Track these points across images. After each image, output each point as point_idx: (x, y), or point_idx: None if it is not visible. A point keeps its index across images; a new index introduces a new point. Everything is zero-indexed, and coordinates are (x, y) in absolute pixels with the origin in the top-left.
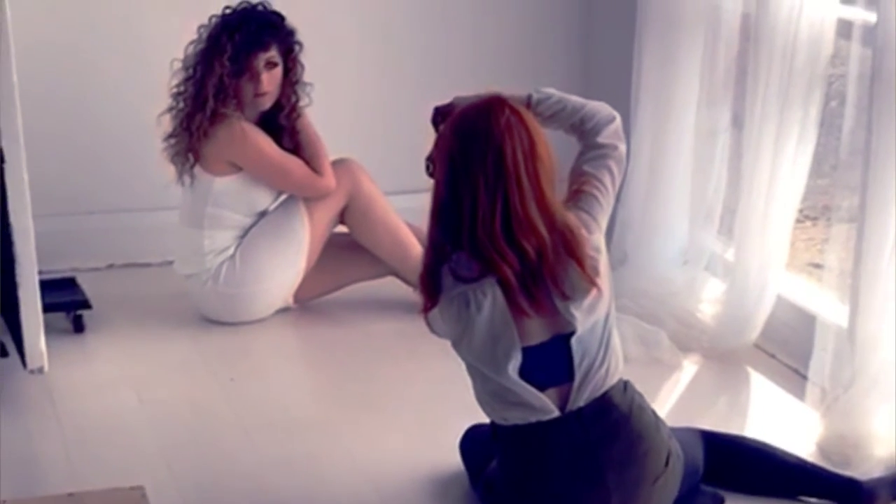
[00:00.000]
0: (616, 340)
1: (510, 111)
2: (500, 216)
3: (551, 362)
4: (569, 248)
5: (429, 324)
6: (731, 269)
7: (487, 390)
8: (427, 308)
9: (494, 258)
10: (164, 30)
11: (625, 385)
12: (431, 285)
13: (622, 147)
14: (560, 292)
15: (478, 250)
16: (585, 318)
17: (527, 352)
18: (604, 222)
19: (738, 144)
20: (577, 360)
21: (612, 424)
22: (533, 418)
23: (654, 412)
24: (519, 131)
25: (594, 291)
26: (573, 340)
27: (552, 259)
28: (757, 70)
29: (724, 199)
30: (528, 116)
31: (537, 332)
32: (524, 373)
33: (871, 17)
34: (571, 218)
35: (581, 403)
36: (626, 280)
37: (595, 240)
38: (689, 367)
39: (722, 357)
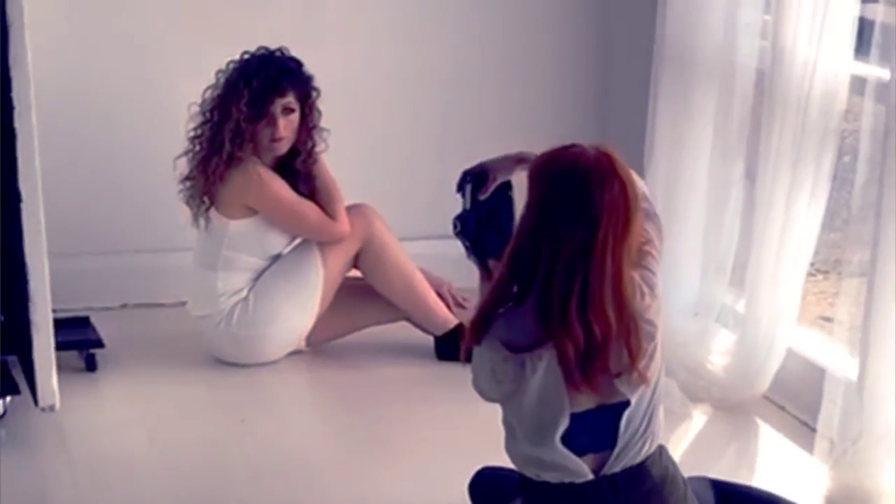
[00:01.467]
0: (661, 409)
1: (619, 186)
2: (577, 292)
3: (596, 430)
4: (629, 342)
5: (467, 358)
6: (742, 320)
7: (523, 449)
8: (469, 346)
9: (560, 330)
10: (184, 73)
11: (660, 451)
12: (482, 327)
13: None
14: (616, 373)
15: (546, 316)
16: (635, 390)
17: (572, 418)
18: (660, 283)
19: (751, 197)
20: (622, 429)
21: (644, 495)
22: (567, 479)
23: (684, 481)
24: (618, 211)
25: (636, 373)
26: (625, 413)
27: (615, 345)
28: (770, 124)
29: (736, 251)
30: (633, 187)
31: (586, 400)
32: (566, 437)
33: (885, 74)
34: (635, 282)
35: (617, 469)
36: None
37: (657, 303)
38: (699, 418)
39: (732, 408)
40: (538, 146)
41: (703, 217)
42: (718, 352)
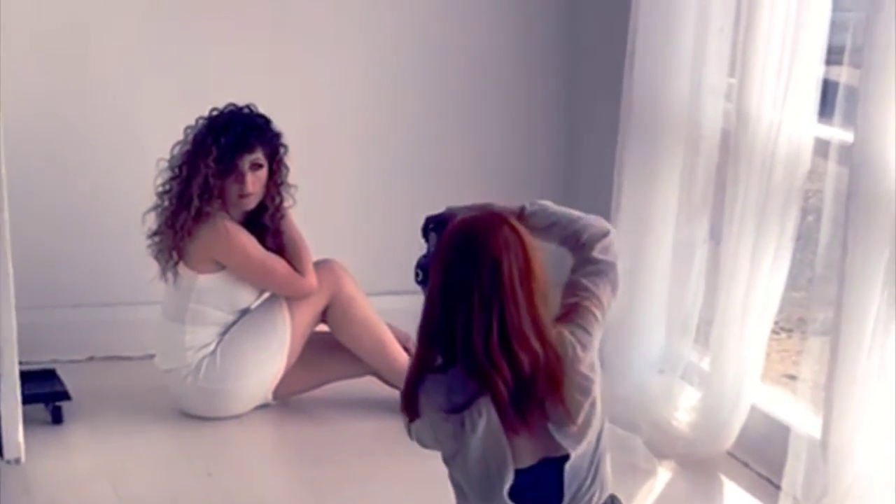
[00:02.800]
0: (607, 460)
1: (509, 229)
2: (496, 329)
3: (541, 485)
4: (554, 376)
5: (410, 432)
6: (707, 378)
7: None
8: (408, 420)
9: (489, 370)
10: (153, 129)
11: (612, 501)
12: (413, 401)
13: (618, 263)
14: (548, 418)
15: (473, 362)
16: (576, 443)
17: (518, 474)
18: (598, 339)
19: (716, 256)
20: (566, 482)
21: None
22: None
23: None
24: (515, 249)
25: (577, 422)
26: (566, 466)
27: (543, 379)
28: (736, 184)
29: (701, 309)
30: (525, 234)
31: (529, 454)
32: (514, 494)
33: (848, 136)
34: (565, 337)
35: None
36: (603, 386)
37: (590, 358)
38: (664, 474)
39: (696, 464)
40: (509, 199)
41: (669, 276)
42: (684, 408)
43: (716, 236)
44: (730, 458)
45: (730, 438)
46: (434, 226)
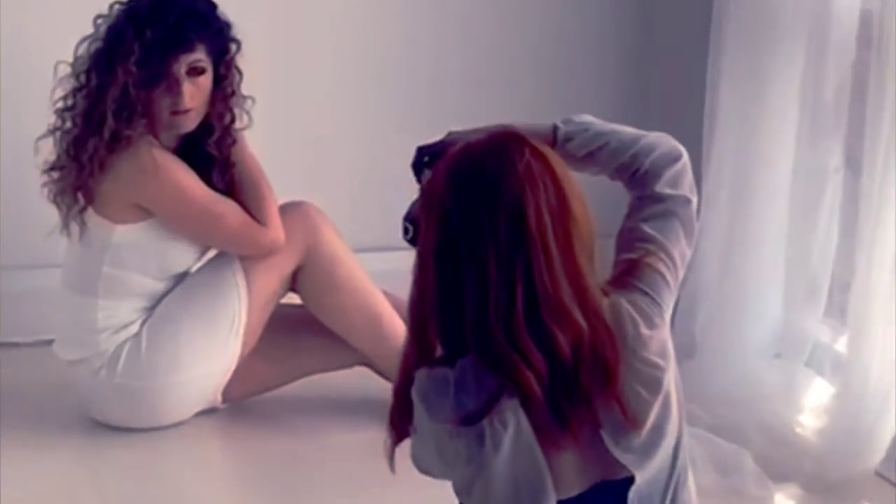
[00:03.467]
0: (690, 484)
1: (531, 153)
2: (521, 299)
3: None
4: (607, 363)
5: (413, 457)
6: (845, 365)
7: None
8: (395, 441)
9: (514, 360)
10: (48, 19)
11: None
12: (405, 410)
13: (694, 200)
14: (600, 425)
15: (490, 349)
16: (643, 460)
17: None
18: (669, 310)
19: (854, 194)
20: None
21: None
22: None
23: None
24: (544, 181)
25: (642, 429)
26: (630, 494)
27: (592, 369)
28: (882, 91)
29: (834, 269)
30: (556, 160)
31: (576, 477)
32: None
33: None
34: (622, 307)
35: None
36: (695, 380)
37: (660, 336)
38: (784, 503)
39: (831, 489)
40: (539, 120)
41: (787, 224)
42: (811, 409)
43: (853, 165)
44: (879, 480)
45: (878, 451)
46: (429, 159)
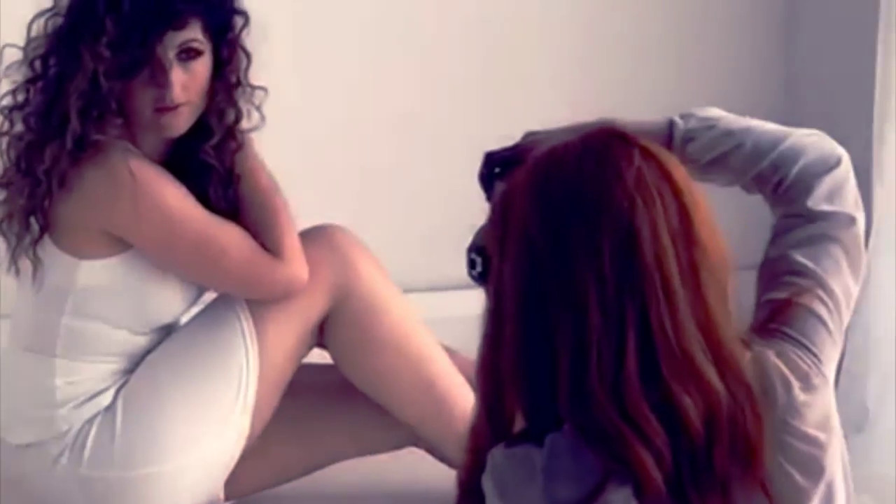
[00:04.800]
0: None
1: (643, 157)
2: (634, 354)
3: None
4: (749, 437)
5: None
6: None
7: None
8: None
9: (625, 435)
10: None
11: None
12: (475, 501)
13: (860, 219)
14: None
15: (592, 423)
16: None
17: None
18: (833, 365)
19: None
20: None
21: None
22: None
23: None
24: (661, 194)
25: None
26: None
27: (729, 444)
28: None
29: None
30: (676, 166)
31: None
32: None
33: None
34: (769, 363)
35: None
36: (867, 460)
37: (819, 404)
38: None
39: None
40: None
41: None
42: None
43: None
44: None
45: None
46: (502, 169)
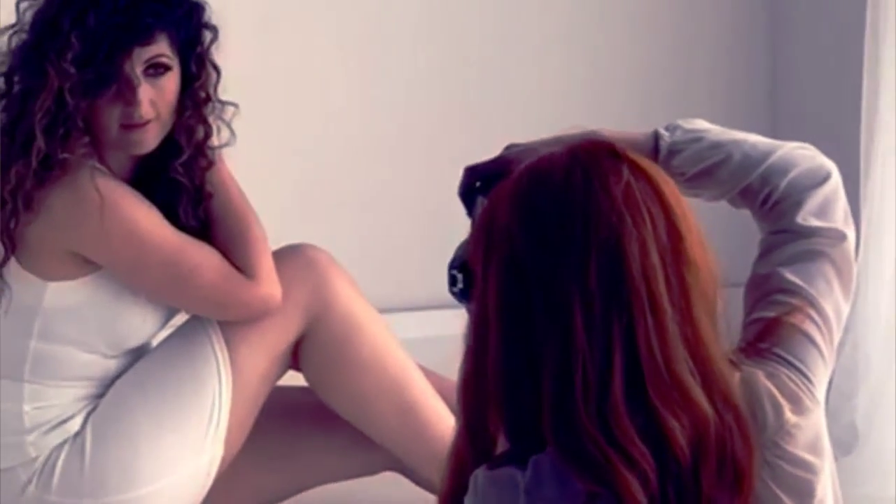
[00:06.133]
0: None
1: (631, 171)
2: (620, 374)
3: None
4: (738, 461)
5: None
6: None
7: None
8: None
9: (610, 457)
10: None
11: None
12: None
13: (850, 234)
14: None
15: (576, 445)
16: None
17: None
18: (824, 386)
19: None
20: None
21: None
22: None
23: None
24: (650, 209)
25: None
26: None
27: (717, 469)
28: None
29: None
30: (665, 180)
31: None
32: None
33: None
34: (758, 384)
35: None
36: (856, 483)
37: (810, 426)
38: None
39: None
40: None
41: None
42: None
43: None
44: None
45: None
46: (484, 183)
